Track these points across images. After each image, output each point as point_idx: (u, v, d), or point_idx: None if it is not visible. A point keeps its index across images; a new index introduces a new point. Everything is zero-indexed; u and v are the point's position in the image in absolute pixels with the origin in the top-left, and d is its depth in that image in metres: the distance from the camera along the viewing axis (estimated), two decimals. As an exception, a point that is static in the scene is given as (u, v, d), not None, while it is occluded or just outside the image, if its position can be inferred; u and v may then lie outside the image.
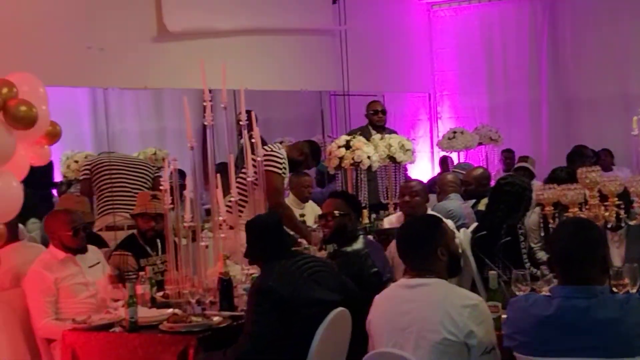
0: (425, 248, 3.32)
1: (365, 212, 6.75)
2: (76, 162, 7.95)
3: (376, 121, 7.86)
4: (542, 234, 5.51)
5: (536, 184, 6.50)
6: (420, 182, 6.17)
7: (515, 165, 8.66)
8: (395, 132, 7.50)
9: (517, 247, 5.18)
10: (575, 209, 3.90)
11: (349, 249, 4.55)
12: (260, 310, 3.76)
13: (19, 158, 4.40)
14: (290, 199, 6.67)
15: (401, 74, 10.08)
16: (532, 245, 5.72)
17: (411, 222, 3.82)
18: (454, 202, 6.33)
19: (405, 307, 3.27)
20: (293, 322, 3.75)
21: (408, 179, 6.25)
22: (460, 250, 3.60)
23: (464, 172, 7.01)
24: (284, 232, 4.21)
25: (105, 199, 6.52)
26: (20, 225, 5.47)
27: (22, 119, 4.14)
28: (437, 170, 9.96)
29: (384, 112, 7.98)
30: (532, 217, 5.81)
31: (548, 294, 3.08)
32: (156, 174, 6.76)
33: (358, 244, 4.62)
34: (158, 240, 5.34)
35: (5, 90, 4.13)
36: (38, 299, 4.64)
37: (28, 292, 4.68)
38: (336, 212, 4.80)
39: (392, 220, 6.03)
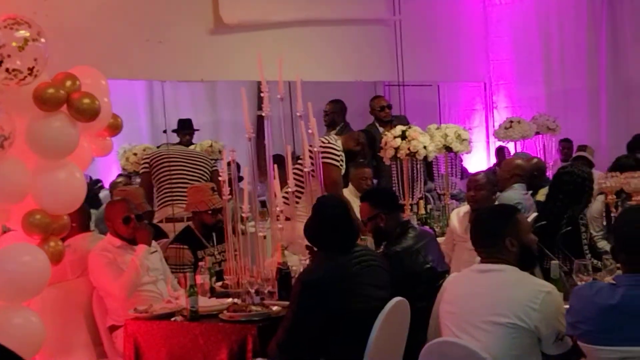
0: (493, 238, 3.31)
1: (422, 202, 6.73)
2: (135, 154, 8.09)
3: (383, 117, 7.82)
4: (605, 223, 5.42)
5: (596, 173, 6.38)
6: (487, 173, 6.05)
7: (574, 155, 8.53)
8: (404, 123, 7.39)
9: (577, 237, 5.10)
10: (639, 197, 3.83)
11: (398, 247, 4.44)
12: (302, 304, 3.75)
13: (82, 150, 4.48)
14: (348, 190, 6.67)
15: (456, 63, 9.98)
16: (594, 233, 5.62)
17: (484, 210, 3.82)
18: (518, 192, 6.18)
19: (475, 290, 3.28)
20: (338, 317, 3.73)
21: (475, 172, 6.14)
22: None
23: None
24: (353, 226, 4.08)
25: (165, 191, 6.62)
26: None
27: (85, 112, 4.21)
28: (493, 160, 9.85)
29: (389, 106, 7.95)
30: (595, 206, 5.71)
31: (613, 282, 3.04)
32: (214, 168, 6.84)
33: (408, 241, 4.48)
34: (213, 232, 5.39)
35: (68, 83, 4.21)
36: (106, 271, 4.68)
37: (94, 271, 4.72)
38: (365, 218, 4.70)
39: (460, 213, 5.97)
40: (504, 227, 3.31)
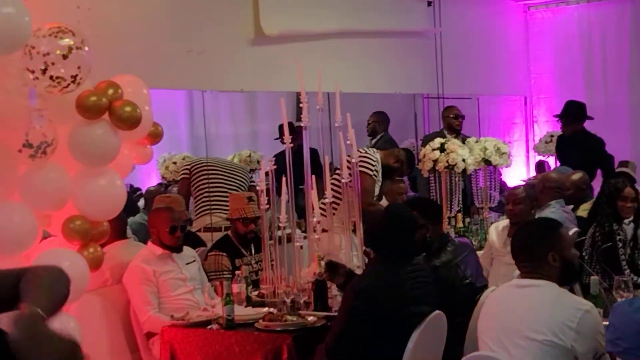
0: (535, 252, 3.26)
1: (460, 215, 6.69)
2: (174, 163, 8.17)
3: (456, 125, 7.84)
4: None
5: (638, 189, 6.28)
6: (527, 188, 6.00)
7: (616, 170, 8.41)
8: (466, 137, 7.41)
9: (616, 253, 5.04)
10: (681, 213, 3.77)
11: (438, 262, 4.40)
12: (352, 311, 3.73)
13: (123, 157, 4.53)
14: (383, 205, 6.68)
15: (496, 76, 9.92)
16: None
17: (527, 224, 3.77)
18: (557, 212, 6.07)
19: (513, 306, 3.24)
20: (385, 329, 3.71)
21: (515, 186, 6.09)
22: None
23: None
24: (412, 235, 4.01)
25: (203, 200, 6.67)
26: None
27: (126, 120, 4.26)
28: (533, 174, 9.75)
29: (463, 117, 7.97)
30: (637, 222, 5.62)
31: (654, 299, 2.99)
32: (252, 182, 6.88)
33: (447, 254, 4.46)
34: (251, 242, 5.41)
35: (111, 91, 4.26)
36: (140, 290, 4.75)
37: (129, 286, 4.79)
38: None
39: (499, 227, 5.93)
40: (546, 241, 3.27)
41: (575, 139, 8.09)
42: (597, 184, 7.60)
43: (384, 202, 6.75)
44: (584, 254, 5.02)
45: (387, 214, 4.10)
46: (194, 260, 5.09)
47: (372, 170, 5.87)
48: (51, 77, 3.97)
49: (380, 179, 6.11)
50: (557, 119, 8.53)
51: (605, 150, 8.17)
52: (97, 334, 4.63)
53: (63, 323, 4.14)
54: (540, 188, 6.34)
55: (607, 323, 3.08)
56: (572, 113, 8.23)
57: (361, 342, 3.72)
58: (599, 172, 7.97)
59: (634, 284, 3.91)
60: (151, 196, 7.03)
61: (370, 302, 3.70)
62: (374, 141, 8.15)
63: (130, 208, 6.16)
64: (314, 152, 5.40)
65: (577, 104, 8.36)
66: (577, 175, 6.69)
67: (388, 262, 3.87)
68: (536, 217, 5.83)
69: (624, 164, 8.55)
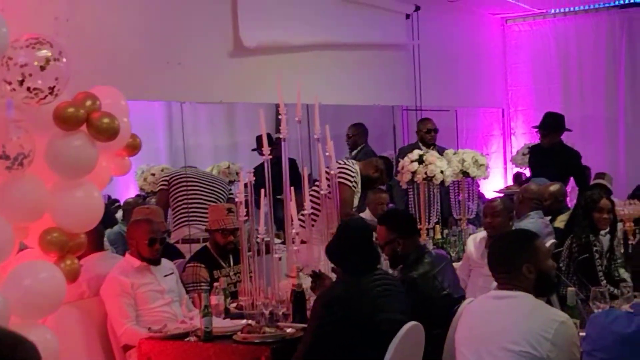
0: (511, 263, 3.27)
1: (438, 227, 6.72)
2: (152, 175, 8.15)
3: (428, 140, 7.94)
4: (622, 250, 5.40)
5: (614, 201, 6.35)
6: (504, 200, 6.04)
7: (592, 182, 8.49)
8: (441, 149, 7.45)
9: (592, 264, 5.08)
10: (657, 225, 3.81)
11: (415, 274, 4.41)
12: (321, 321, 3.77)
13: (100, 169, 4.50)
14: (365, 215, 6.70)
15: (474, 89, 10.00)
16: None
17: (503, 235, 3.78)
18: (535, 222, 6.14)
19: (489, 317, 3.25)
20: (356, 338, 3.74)
21: (493, 198, 6.13)
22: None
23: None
24: (371, 246, 4.14)
25: (182, 212, 6.65)
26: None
27: (104, 131, 4.24)
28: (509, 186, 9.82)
29: (436, 130, 8.07)
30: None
31: (630, 310, 3.01)
32: (230, 194, 6.88)
33: (424, 266, 4.45)
34: (230, 253, 5.41)
35: (89, 102, 4.24)
36: (118, 303, 4.72)
37: (107, 298, 4.76)
38: (382, 242, 4.67)
39: (476, 239, 5.96)
40: (522, 253, 3.29)
41: (552, 151, 8.17)
42: (571, 195, 7.70)
43: (367, 213, 6.78)
44: (561, 265, 5.06)
45: (338, 229, 4.23)
46: (172, 273, 5.06)
47: (350, 182, 5.91)
48: (28, 89, 3.94)
49: (360, 190, 6.14)
50: (536, 130, 8.62)
51: (581, 162, 8.26)
52: (74, 347, 4.59)
53: (41, 335, 4.12)
54: (520, 199, 6.40)
55: (583, 334, 3.11)
56: (551, 124, 8.32)
57: (332, 354, 3.73)
58: (572, 183, 8.06)
59: (610, 295, 3.94)
60: (129, 208, 7.00)
61: (339, 312, 3.74)
62: (354, 153, 8.18)
63: (107, 220, 6.13)
64: (293, 163, 5.41)
65: (556, 116, 8.45)
66: (555, 187, 6.75)
67: (352, 273, 3.94)
68: (514, 227, 5.88)
69: (601, 175, 8.64)
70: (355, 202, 6.23)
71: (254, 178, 4.82)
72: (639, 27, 9.91)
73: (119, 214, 7.96)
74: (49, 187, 4.29)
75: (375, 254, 4.13)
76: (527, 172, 9.41)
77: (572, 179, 8.11)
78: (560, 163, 7.90)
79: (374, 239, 4.29)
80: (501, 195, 7.84)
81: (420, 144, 7.90)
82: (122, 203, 8.40)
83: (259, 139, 7.51)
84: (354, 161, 6.27)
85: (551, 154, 8.16)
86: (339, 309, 3.75)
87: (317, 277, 4.54)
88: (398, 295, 4.00)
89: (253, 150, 7.38)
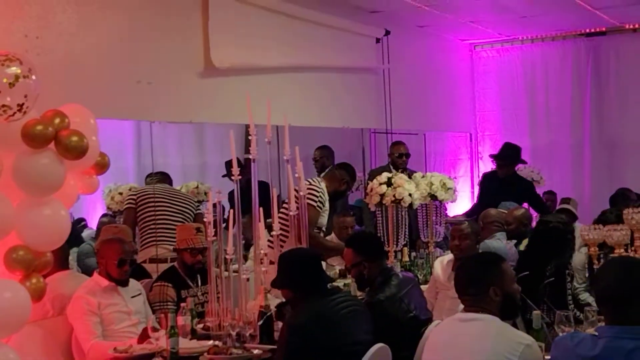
0: (477, 286, 3.31)
1: (406, 249, 6.75)
2: (120, 194, 8.09)
3: (400, 164, 8.01)
4: (587, 275, 5.46)
5: (579, 226, 6.43)
6: (471, 223, 6.10)
7: (558, 207, 8.60)
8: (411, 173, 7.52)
9: (562, 288, 5.14)
10: (621, 249, 3.87)
11: (382, 296, 4.46)
12: (291, 347, 3.77)
13: (68, 187, 4.47)
14: (331, 238, 6.73)
15: (443, 113, 10.10)
16: (577, 285, 5.65)
17: (470, 258, 3.81)
18: (500, 242, 6.26)
19: (457, 339, 3.27)
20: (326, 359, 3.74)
21: (459, 221, 6.19)
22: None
23: (506, 211, 6.96)
24: (322, 268, 4.23)
25: (149, 232, 6.61)
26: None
27: (73, 149, 4.22)
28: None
29: (408, 155, 8.14)
30: (578, 258, 5.76)
31: (595, 333, 3.05)
32: (198, 210, 6.85)
33: (391, 288, 4.50)
34: (198, 273, 5.38)
35: (57, 120, 4.22)
36: (84, 320, 4.67)
37: (73, 316, 4.71)
38: (349, 264, 4.76)
39: (443, 261, 6.00)
40: (489, 275, 3.32)
41: (506, 180, 8.35)
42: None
43: (332, 237, 6.79)
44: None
45: (280, 258, 4.27)
46: (140, 294, 5.03)
47: (315, 201, 5.94)
48: (-3, 105, 3.91)
49: (327, 208, 6.16)
50: (492, 159, 8.78)
51: (535, 191, 8.46)
52: (37, 367, 4.53)
53: (4, 355, 4.06)
54: (481, 226, 6.48)
55: (549, 357, 3.14)
56: (509, 156, 8.50)
57: None
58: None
59: (575, 319, 3.99)
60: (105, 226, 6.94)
61: (307, 335, 3.75)
62: (322, 175, 8.21)
63: (74, 239, 6.07)
64: (264, 185, 5.40)
65: (513, 147, 8.62)
66: (519, 211, 6.83)
67: (308, 296, 3.97)
68: (481, 244, 5.95)
69: (566, 200, 8.76)
70: (324, 221, 6.25)
71: (224, 197, 4.82)
72: (605, 55, 10.11)
73: (85, 233, 7.88)
74: (15, 205, 4.25)
75: (323, 274, 4.19)
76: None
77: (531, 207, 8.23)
78: (514, 192, 8.04)
79: (318, 260, 4.30)
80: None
81: (390, 167, 7.95)
82: (87, 222, 8.33)
83: (227, 164, 7.51)
84: (319, 179, 6.30)
85: (505, 183, 8.33)
86: (306, 335, 3.76)
87: (283, 306, 4.53)
88: (363, 316, 4.03)
89: (223, 176, 7.39)
